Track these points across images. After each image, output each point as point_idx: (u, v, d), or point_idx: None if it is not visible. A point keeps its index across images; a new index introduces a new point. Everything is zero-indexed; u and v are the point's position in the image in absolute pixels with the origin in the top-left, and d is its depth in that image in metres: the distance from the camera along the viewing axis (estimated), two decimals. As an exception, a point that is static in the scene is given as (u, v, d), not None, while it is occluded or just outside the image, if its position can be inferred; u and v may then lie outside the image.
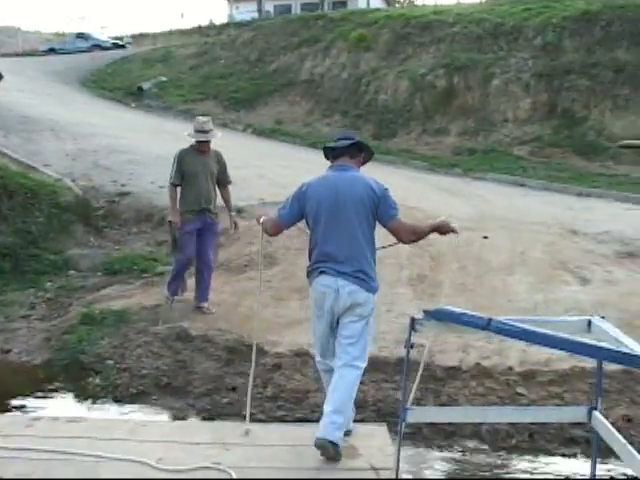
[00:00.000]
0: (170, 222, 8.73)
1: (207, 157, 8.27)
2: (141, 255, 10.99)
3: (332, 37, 27.64)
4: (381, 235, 5.18)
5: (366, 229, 4.97)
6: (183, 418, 6.56)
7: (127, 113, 25.50)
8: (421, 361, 5.03)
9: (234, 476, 4.56)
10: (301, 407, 6.58)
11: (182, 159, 8.21)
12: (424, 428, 6.11)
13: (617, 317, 7.35)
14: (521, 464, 5.91)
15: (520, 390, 6.67)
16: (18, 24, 54.00)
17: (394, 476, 4.31)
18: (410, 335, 4.06)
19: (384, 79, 23.96)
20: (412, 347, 4.13)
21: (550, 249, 10.78)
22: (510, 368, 7.03)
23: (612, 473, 5.61)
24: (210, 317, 8.36)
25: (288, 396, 6.71)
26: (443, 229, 5.10)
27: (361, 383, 5.19)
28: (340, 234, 4.93)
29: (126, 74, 31.64)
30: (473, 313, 4.00)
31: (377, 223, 5.05)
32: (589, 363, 6.62)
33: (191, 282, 8.78)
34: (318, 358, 5.28)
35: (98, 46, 42.42)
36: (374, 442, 5.11)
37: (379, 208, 4.95)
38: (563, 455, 6.00)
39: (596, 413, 4.24)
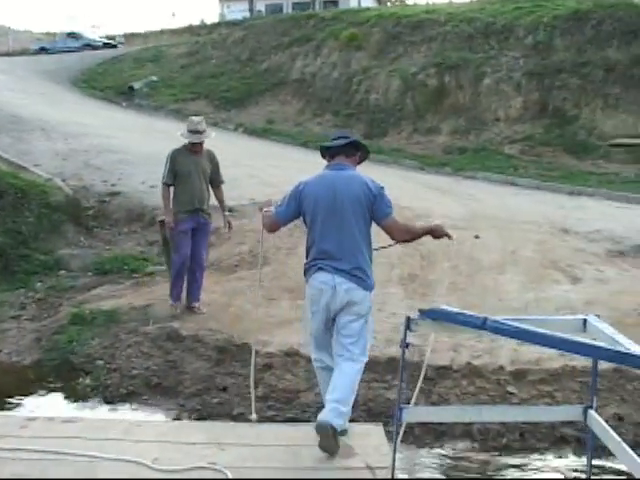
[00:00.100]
0: (160, 222, 8.71)
1: (200, 157, 8.24)
2: (132, 255, 10.96)
3: (323, 36, 27.64)
4: (381, 236, 5.21)
5: (362, 227, 5.01)
6: (174, 418, 6.54)
7: (118, 113, 25.44)
8: (424, 361, 5.09)
9: (230, 476, 4.54)
10: (292, 407, 6.56)
11: (175, 159, 8.18)
12: (415, 428, 6.10)
13: (608, 315, 7.29)
14: (512, 463, 5.91)
15: (511, 389, 6.68)
16: (8, 23, 53.89)
17: (390, 475, 4.31)
18: (406, 335, 4.06)
19: (375, 78, 23.98)
20: (407, 347, 4.12)
21: (541, 248, 10.79)
22: (501, 367, 7.03)
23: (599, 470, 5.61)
24: (201, 317, 8.34)
25: (279, 396, 6.69)
26: (437, 233, 5.15)
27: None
28: (337, 232, 4.97)
29: (117, 74, 31.58)
30: (469, 313, 4.00)
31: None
32: (579, 362, 6.64)
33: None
34: (314, 356, 5.29)
35: (89, 45, 42.37)
36: (370, 441, 5.10)
37: (374, 206, 4.99)
38: (554, 454, 6.01)
39: (592, 412, 4.23)
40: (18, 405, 6.94)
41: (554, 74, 20.94)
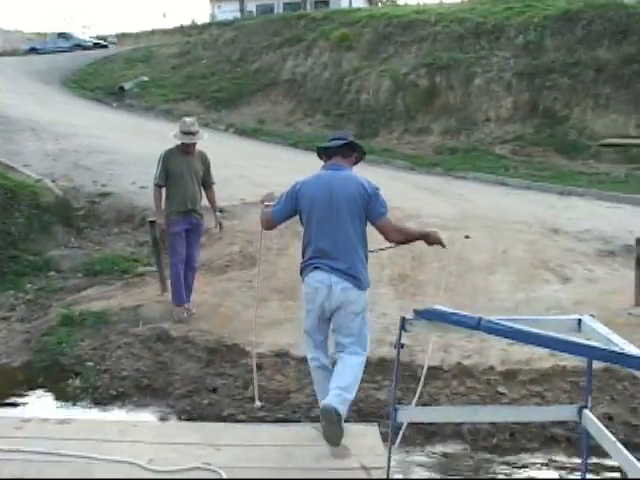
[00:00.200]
0: (151, 222, 8.68)
1: (192, 158, 8.20)
2: (122, 256, 10.92)
3: (314, 36, 27.64)
4: (380, 239, 5.24)
5: (358, 226, 5.09)
6: (164, 419, 6.53)
7: (108, 113, 25.38)
8: (425, 361, 5.11)
9: (224, 476, 4.54)
10: (282, 407, 6.56)
11: (167, 160, 8.13)
12: (407, 428, 6.09)
13: (598, 315, 7.26)
14: (503, 463, 5.91)
15: (501, 389, 6.68)
16: (-2, 23, 53.70)
17: (385, 476, 4.31)
18: (400, 335, 4.05)
19: (366, 78, 23.98)
20: (402, 347, 4.12)
21: (531, 248, 10.81)
22: (491, 367, 7.04)
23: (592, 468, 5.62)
24: (191, 318, 8.31)
25: (269, 396, 6.67)
26: (431, 239, 5.24)
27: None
28: (333, 231, 5.04)
29: (108, 74, 31.51)
30: (463, 313, 4.00)
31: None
32: (570, 362, 6.65)
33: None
34: (310, 355, 5.31)
35: (79, 46, 42.30)
36: (365, 441, 5.10)
37: (369, 205, 5.06)
38: (545, 453, 6.01)
39: (586, 412, 4.24)
40: (9, 406, 6.91)
41: (544, 74, 20.99)
